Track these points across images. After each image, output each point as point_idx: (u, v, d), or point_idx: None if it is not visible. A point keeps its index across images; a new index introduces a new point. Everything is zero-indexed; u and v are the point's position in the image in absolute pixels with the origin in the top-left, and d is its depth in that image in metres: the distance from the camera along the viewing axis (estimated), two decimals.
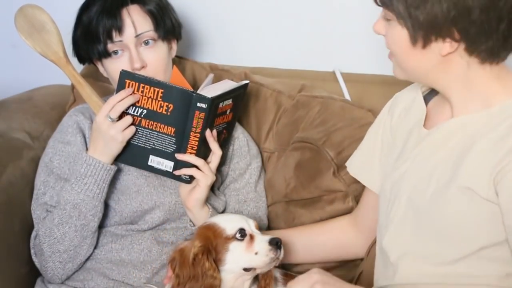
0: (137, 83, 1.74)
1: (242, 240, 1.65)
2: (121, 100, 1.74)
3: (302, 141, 1.96)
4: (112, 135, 1.75)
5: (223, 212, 1.95)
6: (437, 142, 1.54)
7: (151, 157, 1.79)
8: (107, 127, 1.75)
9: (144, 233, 1.88)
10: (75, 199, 1.79)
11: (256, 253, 1.63)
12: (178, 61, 2.14)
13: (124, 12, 1.85)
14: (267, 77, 2.15)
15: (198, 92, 1.75)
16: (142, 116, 1.77)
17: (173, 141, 1.77)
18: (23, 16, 1.85)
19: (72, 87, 2.12)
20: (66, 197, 1.79)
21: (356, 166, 1.79)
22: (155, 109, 1.75)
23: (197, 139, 1.76)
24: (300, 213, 1.94)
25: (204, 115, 1.73)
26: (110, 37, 1.84)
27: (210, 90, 1.78)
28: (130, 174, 1.88)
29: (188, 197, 1.81)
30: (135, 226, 1.88)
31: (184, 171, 1.78)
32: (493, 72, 1.48)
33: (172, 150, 1.77)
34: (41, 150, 1.96)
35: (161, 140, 1.77)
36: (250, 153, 2.00)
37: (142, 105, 1.76)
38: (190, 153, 1.77)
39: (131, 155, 1.80)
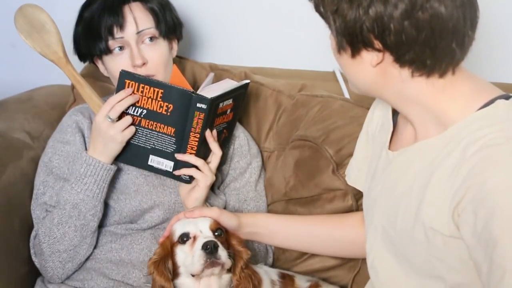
0: (137, 83, 1.74)
1: (184, 244, 1.61)
2: (120, 100, 1.74)
3: (302, 139, 1.96)
4: (111, 135, 1.75)
5: None
6: (401, 168, 1.47)
7: (151, 157, 1.79)
8: (107, 127, 1.75)
9: (144, 232, 1.88)
10: (74, 199, 1.79)
11: (193, 257, 1.58)
12: (178, 61, 2.14)
13: (126, 9, 1.86)
14: (267, 77, 2.15)
15: (198, 91, 1.75)
16: (142, 116, 1.76)
17: (173, 141, 1.76)
18: (23, 16, 1.85)
19: (72, 87, 2.12)
20: (65, 197, 1.79)
21: (352, 174, 1.75)
22: (155, 109, 1.75)
23: (197, 139, 1.76)
24: (299, 212, 1.93)
25: (204, 116, 1.73)
26: (111, 34, 1.84)
27: (210, 89, 1.78)
28: (130, 174, 1.88)
29: (187, 196, 1.81)
30: (134, 226, 1.88)
31: (184, 171, 1.78)
32: (436, 86, 1.38)
33: (172, 150, 1.77)
34: (41, 150, 1.96)
35: (161, 140, 1.77)
36: (250, 152, 2.00)
37: (142, 105, 1.76)
38: (190, 153, 1.77)
39: (131, 154, 1.80)
